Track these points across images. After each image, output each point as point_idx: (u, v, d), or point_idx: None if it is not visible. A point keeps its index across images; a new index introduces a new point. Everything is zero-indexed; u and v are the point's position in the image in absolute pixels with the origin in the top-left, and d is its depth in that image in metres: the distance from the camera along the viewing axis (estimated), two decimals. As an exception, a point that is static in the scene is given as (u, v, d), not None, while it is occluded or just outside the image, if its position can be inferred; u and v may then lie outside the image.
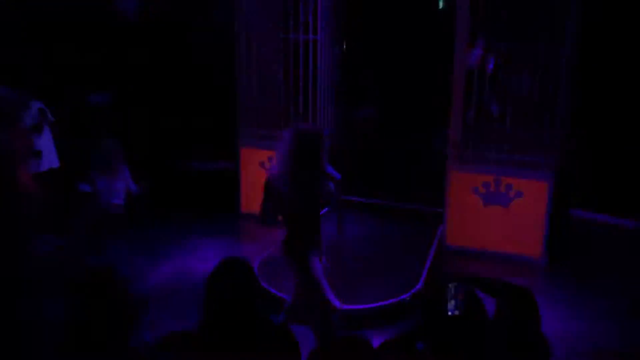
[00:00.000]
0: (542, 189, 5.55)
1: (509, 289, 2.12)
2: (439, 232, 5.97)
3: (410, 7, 7.41)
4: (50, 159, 6.20)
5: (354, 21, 6.88)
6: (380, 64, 7.78)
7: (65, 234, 6.14)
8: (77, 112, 6.96)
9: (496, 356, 1.79)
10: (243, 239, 6.30)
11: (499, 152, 5.68)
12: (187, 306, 4.86)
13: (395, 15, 7.42)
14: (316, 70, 6.41)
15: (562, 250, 5.64)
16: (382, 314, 4.58)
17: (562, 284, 5.34)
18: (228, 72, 7.05)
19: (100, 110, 6.99)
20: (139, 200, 6.69)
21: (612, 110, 6.22)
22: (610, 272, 5.15)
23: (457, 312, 2.01)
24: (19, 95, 5.98)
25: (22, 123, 5.91)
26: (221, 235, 6.32)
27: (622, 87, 6.19)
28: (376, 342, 3.33)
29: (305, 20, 6.34)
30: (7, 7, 6.78)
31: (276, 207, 3.60)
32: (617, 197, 5.44)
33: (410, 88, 7.81)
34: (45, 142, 6.22)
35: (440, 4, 9.19)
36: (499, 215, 5.71)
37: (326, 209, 3.90)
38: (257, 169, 6.64)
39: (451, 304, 2.02)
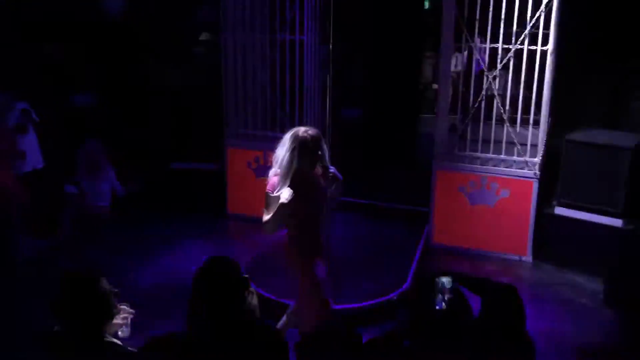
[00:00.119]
0: (527, 187, 5.60)
1: (494, 287, 2.13)
2: (425, 231, 5.99)
3: (396, 6, 7.42)
4: (34, 160, 6.15)
5: (341, 21, 6.87)
6: (367, 64, 7.80)
7: (49, 235, 6.09)
8: (62, 112, 6.90)
9: (481, 354, 1.80)
10: (230, 239, 6.29)
11: (485, 152, 5.72)
12: (173, 307, 4.85)
13: (382, 15, 7.43)
14: (303, 70, 6.40)
15: (548, 248, 5.68)
16: (369, 314, 4.59)
17: (547, 282, 5.39)
18: (215, 73, 7.05)
19: (85, 111, 6.94)
20: (124, 201, 6.67)
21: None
22: (595, 271, 5.19)
23: (443, 307, 2.02)
24: (3, 96, 5.95)
25: (6, 123, 5.87)
26: (207, 236, 6.29)
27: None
28: (364, 340, 3.34)
29: (291, 20, 6.34)
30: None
31: (278, 214, 3.57)
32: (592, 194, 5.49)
33: (397, 88, 7.82)
34: (30, 143, 6.17)
35: (426, 4, 9.24)
36: (485, 214, 5.74)
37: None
38: (244, 169, 6.62)
39: (438, 298, 2.02)
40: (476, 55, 6.20)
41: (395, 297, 4.75)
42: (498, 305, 1.95)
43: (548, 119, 5.70)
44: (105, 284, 2.49)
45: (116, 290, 2.53)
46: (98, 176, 6.49)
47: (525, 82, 5.61)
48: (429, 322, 2.02)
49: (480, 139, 5.75)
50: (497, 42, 5.57)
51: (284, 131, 6.31)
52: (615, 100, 6.25)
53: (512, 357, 1.75)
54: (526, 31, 5.37)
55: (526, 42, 5.42)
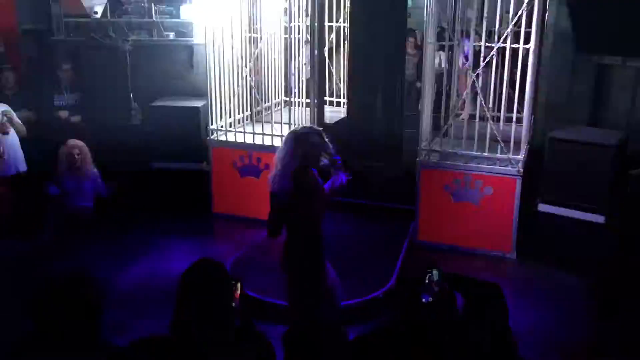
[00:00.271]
0: (511, 185, 5.63)
1: (478, 285, 2.14)
2: (410, 229, 6.00)
3: (379, 3, 7.41)
4: (16, 162, 6.08)
5: (324, 18, 6.88)
6: (350, 61, 7.78)
7: (33, 238, 6.03)
8: (44, 114, 6.83)
9: (464, 351, 1.81)
10: (214, 239, 6.26)
11: (469, 149, 5.74)
12: (157, 307, 4.82)
13: (364, 12, 7.42)
14: (287, 68, 6.40)
15: (532, 245, 5.72)
16: (355, 312, 4.59)
17: (531, 278, 5.42)
18: (200, 71, 7.03)
19: (68, 112, 6.87)
20: (108, 202, 6.61)
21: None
22: (578, 267, 5.24)
23: (430, 299, 2.02)
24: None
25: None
26: (192, 236, 6.26)
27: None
28: (350, 338, 3.33)
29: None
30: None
31: (282, 216, 3.54)
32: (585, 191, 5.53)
33: (380, 86, 7.82)
34: (12, 145, 6.10)
35: (410, 2, 9.25)
36: (469, 211, 5.77)
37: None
38: (229, 168, 6.60)
39: (425, 291, 2.02)
40: (459, 54, 6.24)
41: (380, 295, 4.76)
42: (481, 303, 1.96)
43: (531, 116, 5.74)
44: (93, 284, 2.47)
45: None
46: (81, 176, 6.44)
47: (508, 80, 5.65)
48: (415, 316, 2.02)
49: (464, 137, 5.78)
50: (480, 40, 5.61)
51: (269, 130, 6.39)
52: (598, 97, 6.31)
53: (495, 354, 1.76)
54: (508, 29, 5.40)
55: (509, 40, 5.45)
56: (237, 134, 6.57)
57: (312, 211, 3.61)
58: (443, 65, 7.01)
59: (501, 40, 5.53)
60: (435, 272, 2.04)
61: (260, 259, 5.48)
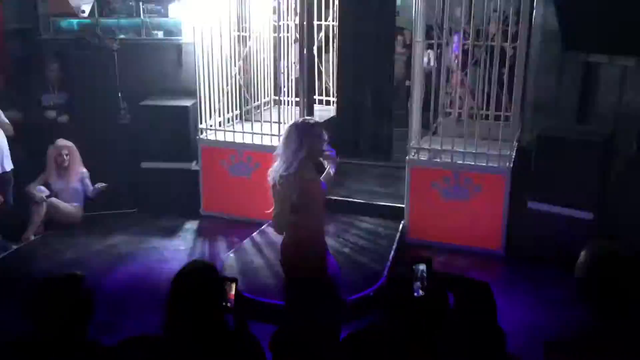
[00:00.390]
0: (500, 182, 5.66)
1: (467, 284, 2.15)
2: (400, 227, 6.02)
3: (368, 2, 7.43)
4: (3, 162, 6.03)
5: (313, 17, 6.88)
6: (339, 61, 7.79)
7: (20, 238, 5.99)
8: (32, 114, 6.78)
9: (452, 349, 1.82)
10: (204, 239, 6.24)
11: (458, 147, 5.76)
12: (146, 307, 4.80)
13: (354, 12, 7.44)
14: (277, 66, 6.40)
15: (521, 242, 5.75)
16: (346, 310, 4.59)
17: (520, 275, 5.45)
18: (189, 70, 6.99)
19: (56, 112, 6.82)
20: (97, 202, 6.58)
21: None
22: (567, 264, 5.26)
23: (421, 293, 2.02)
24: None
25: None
26: (182, 236, 6.24)
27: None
28: (341, 336, 3.34)
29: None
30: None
31: (286, 209, 3.51)
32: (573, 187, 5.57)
33: (370, 84, 7.84)
34: (-2, 145, 6.06)
35: (399, 1, 9.27)
36: (458, 209, 5.80)
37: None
38: (218, 168, 6.58)
39: (416, 285, 2.02)
40: (448, 52, 6.26)
41: (371, 293, 4.77)
42: (470, 301, 1.97)
43: (519, 114, 5.77)
44: (86, 284, 2.46)
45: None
46: (69, 176, 6.40)
47: (497, 78, 5.68)
48: (407, 311, 2.02)
49: (454, 134, 5.80)
50: (469, 39, 5.63)
51: (259, 129, 6.38)
52: (585, 95, 6.34)
53: (484, 351, 1.77)
54: (496, 29, 5.43)
55: (497, 38, 5.48)
56: (226, 133, 6.56)
57: (316, 205, 3.61)
58: (432, 63, 7.04)
59: (489, 39, 5.56)
60: (423, 266, 2.04)
61: (251, 258, 5.48)
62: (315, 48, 7.32)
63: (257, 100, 7.31)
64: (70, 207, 6.38)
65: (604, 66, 6.03)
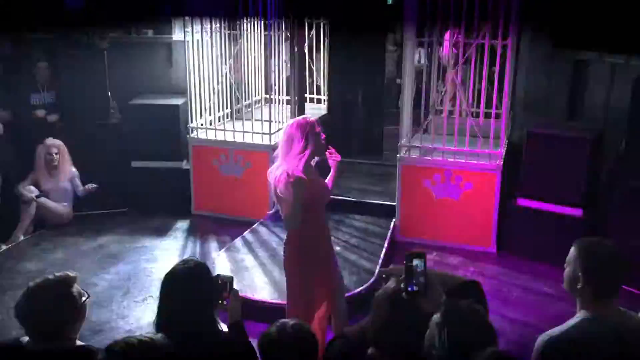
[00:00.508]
0: (490, 180, 5.68)
1: (458, 283, 2.15)
2: (392, 225, 6.02)
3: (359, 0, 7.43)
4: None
5: (303, 14, 6.87)
6: (330, 59, 7.79)
7: (9, 238, 5.95)
8: (21, 113, 6.73)
9: (442, 347, 1.82)
10: (195, 238, 6.21)
11: (449, 145, 5.78)
12: (136, 308, 4.79)
13: (344, 10, 7.42)
14: (267, 64, 6.39)
15: (511, 239, 5.77)
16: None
17: (511, 273, 5.47)
18: (179, 69, 6.96)
19: (45, 111, 6.78)
20: (86, 201, 6.54)
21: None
22: (557, 260, 5.29)
23: (416, 289, 2.01)
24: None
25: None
26: (173, 235, 6.22)
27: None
28: (329, 336, 3.34)
29: (255, 14, 6.32)
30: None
31: (298, 209, 3.48)
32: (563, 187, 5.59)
33: (361, 83, 7.85)
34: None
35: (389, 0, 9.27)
36: (449, 207, 5.81)
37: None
38: (209, 167, 6.56)
39: (411, 280, 2.01)
40: (439, 50, 6.27)
41: (362, 292, 4.76)
42: (460, 300, 1.96)
43: (509, 112, 5.79)
44: (77, 286, 2.44)
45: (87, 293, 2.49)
46: (59, 176, 6.36)
47: (487, 75, 5.70)
48: (401, 306, 2.01)
49: (445, 132, 5.81)
50: (459, 36, 5.64)
51: (249, 128, 6.36)
52: (575, 92, 6.37)
53: (474, 348, 1.77)
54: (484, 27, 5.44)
55: (487, 36, 5.49)
56: (217, 131, 6.54)
57: (321, 203, 3.61)
58: (423, 61, 7.06)
59: (480, 36, 5.57)
60: (417, 261, 2.03)
61: (242, 257, 5.46)
62: (306, 46, 7.32)
63: (248, 99, 7.30)
64: (60, 206, 6.34)
65: (594, 63, 6.06)
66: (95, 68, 6.77)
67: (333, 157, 3.69)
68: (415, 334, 1.91)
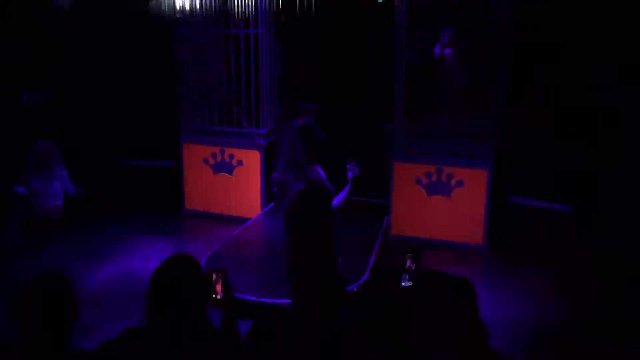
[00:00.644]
0: (481, 177, 5.70)
1: (449, 280, 2.16)
2: (384, 223, 6.03)
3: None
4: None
5: (295, 15, 6.86)
6: (322, 57, 7.79)
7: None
8: (11, 110, 6.69)
9: (435, 344, 1.83)
10: (187, 237, 6.21)
11: (440, 143, 5.79)
12: (129, 307, 4.76)
13: (335, 8, 7.44)
14: (258, 63, 6.37)
15: (503, 236, 5.80)
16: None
17: (502, 269, 5.50)
18: (169, 70, 6.93)
19: (35, 109, 6.74)
20: (77, 201, 6.51)
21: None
22: (547, 256, 5.33)
23: (409, 284, 2.03)
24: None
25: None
26: (164, 234, 6.20)
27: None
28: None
29: (246, 14, 6.29)
30: None
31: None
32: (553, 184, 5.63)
33: (351, 81, 7.86)
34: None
35: (380, -2, 9.27)
36: (441, 204, 5.83)
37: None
38: (201, 165, 6.55)
39: (404, 276, 2.03)
40: (434, 49, 6.28)
41: (355, 289, 4.77)
42: (453, 298, 1.98)
43: (500, 109, 5.80)
44: (70, 287, 2.43)
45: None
46: (49, 176, 6.32)
47: (478, 74, 5.71)
48: (394, 301, 2.03)
49: (435, 130, 5.83)
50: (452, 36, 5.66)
51: (240, 126, 6.35)
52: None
53: (467, 346, 1.78)
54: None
55: (477, 35, 5.51)
56: (209, 130, 6.52)
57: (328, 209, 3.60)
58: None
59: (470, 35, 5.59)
60: (415, 258, 2.05)
61: (234, 255, 5.46)
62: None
63: (240, 99, 7.26)
64: (50, 206, 6.30)
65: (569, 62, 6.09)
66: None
67: (352, 170, 3.53)
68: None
